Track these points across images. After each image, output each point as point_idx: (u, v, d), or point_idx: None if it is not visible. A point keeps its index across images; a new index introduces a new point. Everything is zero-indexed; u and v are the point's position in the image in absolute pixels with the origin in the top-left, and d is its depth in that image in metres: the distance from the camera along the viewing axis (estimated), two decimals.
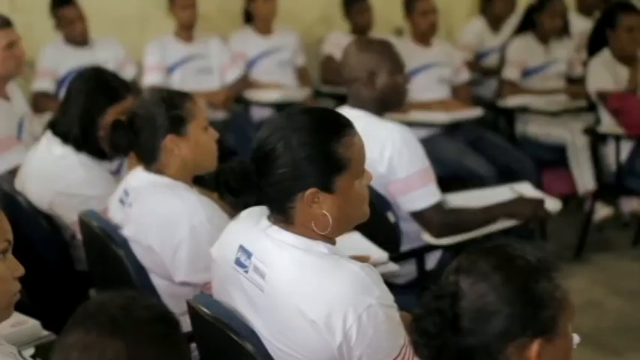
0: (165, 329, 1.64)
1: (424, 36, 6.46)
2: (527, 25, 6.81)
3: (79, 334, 1.59)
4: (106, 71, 3.97)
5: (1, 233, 2.12)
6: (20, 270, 2.15)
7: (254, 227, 2.40)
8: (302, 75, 7.23)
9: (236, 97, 6.74)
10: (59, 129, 3.82)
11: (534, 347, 1.75)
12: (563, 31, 6.89)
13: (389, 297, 2.26)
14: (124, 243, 3.21)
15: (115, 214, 3.32)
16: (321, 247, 2.30)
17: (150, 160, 3.19)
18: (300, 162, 2.30)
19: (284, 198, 2.32)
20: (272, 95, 6.64)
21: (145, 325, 1.61)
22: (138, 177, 3.24)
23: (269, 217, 2.39)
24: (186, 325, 3.02)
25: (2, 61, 4.56)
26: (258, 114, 6.76)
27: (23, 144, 4.55)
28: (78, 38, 6.40)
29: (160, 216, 3.10)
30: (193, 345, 2.93)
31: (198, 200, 3.10)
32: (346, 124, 2.39)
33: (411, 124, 4.54)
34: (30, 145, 4.34)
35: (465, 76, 6.70)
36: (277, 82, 6.96)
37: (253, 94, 6.78)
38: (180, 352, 1.66)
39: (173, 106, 3.16)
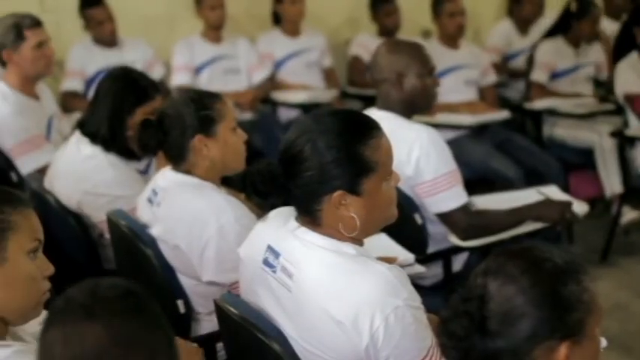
0: (136, 301, 1.65)
1: (452, 38, 6.45)
2: (560, 28, 6.77)
3: (55, 330, 1.61)
4: (135, 71, 3.99)
5: (31, 232, 2.13)
6: (50, 269, 2.16)
7: (282, 228, 2.41)
8: (329, 76, 7.24)
9: (263, 98, 6.76)
10: (88, 129, 3.84)
11: (562, 350, 1.75)
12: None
13: (416, 298, 2.26)
14: (151, 242, 3.22)
15: (143, 213, 3.34)
16: (348, 248, 2.31)
17: (178, 159, 3.20)
18: (327, 164, 2.30)
19: (311, 200, 2.33)
20: (299, 96, 6.65)
21: (116, 302, 1.62)
22: (166, 177, 3.25)
23: (297, 218, 2.39)
24: (213, 324, 3.05)
25: (32, 61, 4.60)
26: (285, 115, 6.78)
27: (52, 143, 4.59)
28: (106, 39, 6.44)
29: (187, 216, 3.11)
30: (220, 344, 2.95)
31: (225, 200, 3.11)
32: (373, 127, 2.39)
33: (438, 126, 4.54)
34: (59, 145, 4.38)
35: (492, 78, 6.69)
36: (304, 84, 6.98)
37: (280, 95, 6.80)
38: (158, 320, 1.66)
39: (202, 107, 3.16)
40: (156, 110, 3.52)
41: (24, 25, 4.60)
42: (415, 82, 3.77)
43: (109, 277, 1.71)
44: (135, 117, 3.73)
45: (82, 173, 3.79)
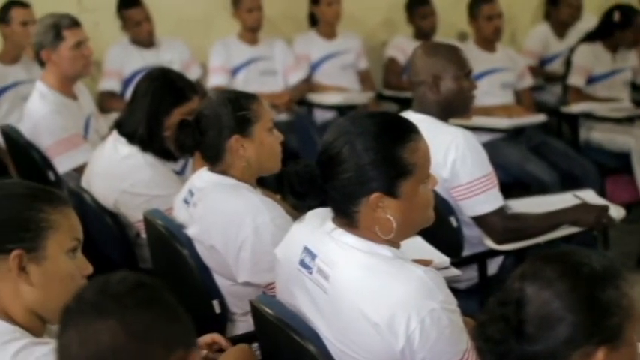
0: (147, 293, 1.64)
1: (488, 41, 6.44)
2: (600, 35, 6.72)
3: (70, 330, 1.61)
4: (172, 72, 4.01)
5: (71, 231, 2.15)
6: (89, 268, 2.17)
7: (319, 229, 2.41)
8: (365, 78, 7.25)
9: (299, 100, 6.78)
10: (125, 129, 3.87)
11: (599, 355, 1.74)
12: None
13: (452, 301, 2.26)
14: (188, 242, 3.24)
15: (180, 213, 3.35)
16: (385, 250, 2.31)
17: (215, 160, 3.21)
18: (364, 166, 2.31)
19: (349, 202, 2.33)
20: (335, 98, 6.67)
21: (127, 296, 1.62)
22: (202, 177, 3.27)
23: (334, 220, 2.40)
24: (248, 325, 3.07)
25: (71, 61, 4.64)
26: (320, 117, 6.79)
27: (90, 143, 4.62)
28: (144, 39, 6.48)
29: (223, 216, 3.12)
30: (255, 344, 2.96)
31: (261, 201, 3.11)
32: (411, 129, 2.39)
33: (473, 129, 4.53)
34: (96, 144, 4.41)
35: (528, 81, 6.67)
36: (340, 86, 6.99)
37: (316, 97, 6.82)
38: (173, 310, 1.66)
39: (239, 107, 3.17)
40: (193, 111, 3.55)
41: (63, 25, 4.64)
42: (452, 85, 3.76)
43: (120, 271, 1.70)
44: (172, 117, 3.75)
45: (119, 173, 3.81)
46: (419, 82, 3.80)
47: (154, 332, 1.60)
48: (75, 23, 4.70)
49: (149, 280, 1.67)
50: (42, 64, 4.73)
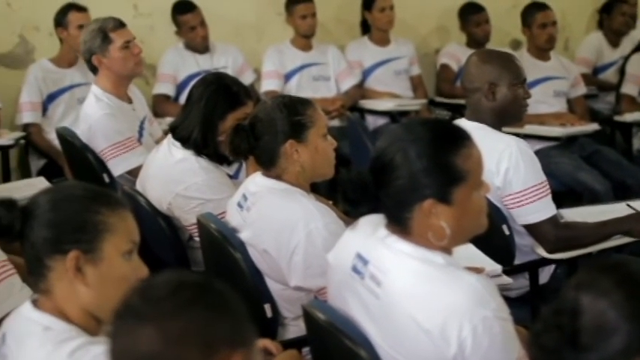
0: (188, 295, 1.62)
1: (542, 49, 6.40)
2: None
3: (113, 337, 1.62)
4: (227, 76, 4.03)
5: (127, 234, 2.17)
6: (144, 271, 2.18)
7: (372, 235, 2.42)
8: (417, 85, 7.25)
9: (351, 106, 6.80)
10: (180, 133, 3.89)
11: None
12: None
13: (505, 309, 2.25)
14: (240, 246, 3.25)
15: (233, 217, 3.37)
16: (438, 257, 2.31)
17: (269, 164, 3.22)
18: (418, 173, 2.31)
19: (402, 209, 2.33)
20: (387, 104, 6.68)
21: (166, 300, 1.60)
22: (256, 182, 3.28)
23: (386, 227, 2.40)
24: (299, 329, 3.08)
25: (121, 61, 4.68)
26: (372, 122, 6.81)
27: (144, 146, 4.66)
28: (199, 44, 6.52)
29: (277, 221, 3.13)
30: (306, 349, 2.97)
31: (314, 206, 3.12)
32: (464, 136, 2.39)
33: (526, 137, 4.52)
34: (150, 147, 4.44)
35: (581, 90, 6.62)
36: (392, 92, 7.01)
37: (368, 103, 6.83)
38: (217, 308, 1.63)
39: (295, 112, 3.19)
40: (247, 115, 3.57)
41: (108, 28, 4.70)
42: (507, 93, 3.76)
43: (165, 272, 1.68)
44: (226, 122, 3.77)
45: (173, 176, 3.84)
46: (473, 90, 3.79)
47: (193, 336, 1.59)
48: (120, 24, 4.75)
49: (191, 279, 1.65)
50: (94, 70, 4.77)
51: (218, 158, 3.83)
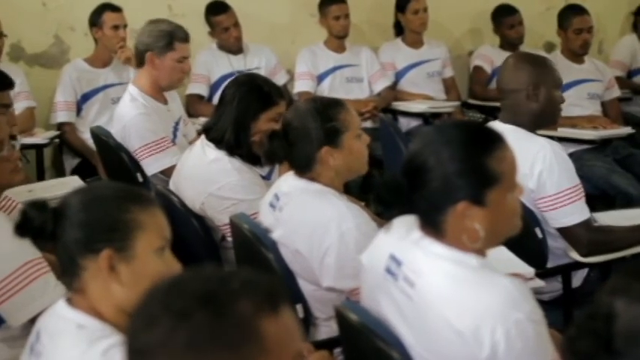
0: (203, 321, 1.46)
1: (576, 54, 6.39)
2: None
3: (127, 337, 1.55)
4: (259, 77, 4.04)
5: (159, 231, 2.18)
6: (177, 267, 2.19)
7: (405, 237, 2.41)
8: (450, 87, 7.25)
9: (384, 107, 6.80)
10: (213, 134, 3.90)
11: None
12: None
13: (538, 313, 2.24)
14: (273, 246, 3.26)
15: (265, 217, 3.37)
16: (471, 259, 2.30)
17: (304, 169, 3.22)
18: (451, 175, 2.30)
19: (435, 211, 2.33)
20: (420, 106, 6.68)
21: (175, 305, 1.48)
22: (289, 182, 3.28)
23: (420, 228, 2.40)
24: (330, 330, 3.08)
25: (170, 72, 4.73)
26: (405, 124, 6.80)
27: (178, 146, 4.68)
28: (232, 45, 6.54)
29: (309, 221, 3.13)
30: (337, 350, 2.97)
31: (347, 207, 3.12)
32: (498, 138, 2.38)
33: (559, 140, 4.50)
34: (184, 148, 4.46)
35: (615, 92, 6.59)
36: (425, 94, 7.00)
37: (401, 105, 6.83)
38: (238, 334, 1.47)
39: (328, 118, 3.18)
40: (280, 115, 3.62)
41: (176, 37, 4.75)
42: (549, 95, 3.77)
43: (189, 275, 1.57)
44: (259, 123, 3.78)
45: (207, 176, 3.85)
46: (513, 91, 3.78)
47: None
48: (186, 39, 4.80)
49: (217, 290, 1.50)
50: (140, 64, 4.79)
51: (251, 159, 3.84)
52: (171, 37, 4.72)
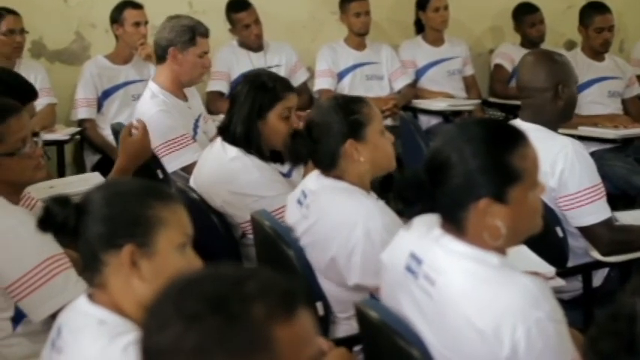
0: (206, 302, 1.46)
1: (597, 52, 6.37)
2: None
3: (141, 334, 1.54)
4: (263, 74, 4.03)
5: (180, 227, 2.19)
6: (198, 265, 2.19)
7: (426, 235, 2.41)
8: (470, 85, 7.24)
9: (404, 105, 6.79)
10: (227, 134, 3.92)
11: None
12: None
13: (559, 312, 2.23)
14: (294, 243, 3.26)
15: (293, 214, 3.37)
16: (492, 258, 2.30)
17: (329, 167, 3.21)
18: (473, 172, 2.30)
19: (457, 208, 2.33)
20: (440, 104, 6.68)
21: (186, 306, 1.46)
22: (316, 180, 3.28)
23: (441, 226, 2.40)
24: (350, 327, 3.08)
25: (191, 67, 4.74)
26: (425, 122, 6.79)
27: (198, 143, 4.68)
28: (253, 42, 6.55)
29: (335, 219, 3.13)
30: (357, 348, 2.97)
31: (374, 206, 3.12)
32: (520, 136, 2.38)
33: (580, 139, 4.48)
34: (204, 145, 4.46)
35: (636, 90, 6.59)
36: (445, 92, 7.00)
37: (421, 103, 6.83)
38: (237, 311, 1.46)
39: (350, 111, 3.18)
40: (291, 109, 3.74)
41: (198, 32, 4.76)
42: (571, 93, 3.78)
43: (204, 274, 1.55)
44: (269, 120, 3.82)
45: (228, 174, 3.86)
46: (536, 90, 3.77)
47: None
48: (207, 34, 4.82)
49: (228, 293, 1.48)
50: (160, 60, 4.80)
51: (266, 157, 3.85)
52: (193, 32, 4.73)
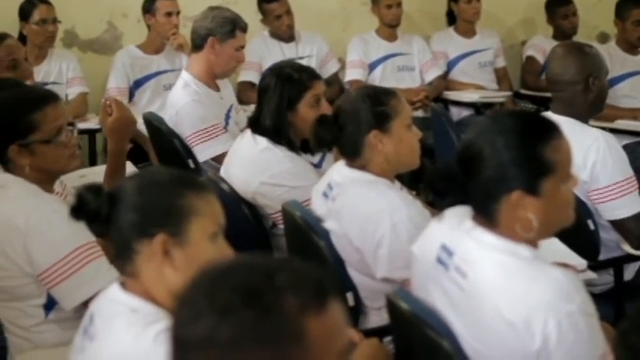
0: (242, 293, 1.45)
1: (634, 45, 6.32)
2: None
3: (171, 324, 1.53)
4: (287, 65, 4.04)
5: (213, 216, 2.19)
6: (230, 254, 2.19)
7: (457, 227, 2.41)
8: (502, 77, 7.22)
9: (435, 97, 6.78)
10: (258, 124, 3.93)
11: None
12: None
13: (590, 305, 2.23)
14: (325, 235, 3.26)
15: (318, 206, 3.37)
16: (524, 250, 2.29)
17: (353, 155, 3.22)
18: (506, 164, 2.29)
19: (489, 200, 2.32)
20: (472, 96, 6.66)
21: (219, 299, 1.45)
22: (341, 172, 3.28)
23: (473, 218, 2.39)
24: (380, 318, 3.08)
25: (228, 59, 4.79)
26: (456, 114, 6.78)
27: (229, 133, 4.69)
28: (284, 33, 6.56)
29: (362, 212, 3.13)
30: (387, 338, 2.97)
31: (400, 197, 3.12)
32: (553, 128, 2.37)
33: (612, 132, 4.46)
34: (236, 135, 4.47)
35: None
36: (477, 83, 6.98)
37: (453, 94, 6.81)
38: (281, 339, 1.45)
39: (378, 103, 3.18)
40: (319, 97, 3.75)
41: (238, 26, 4.82)
42: (602, 84, 3.77)
43: (236, 264, 1.54)
44: (299, 111, 3.84)
45: (259, 164, 3.87)
46: (568, 83, 3.76)
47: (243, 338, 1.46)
48: (246, 29, 4.87)
49: (262, 287, 1.47)
50: (197, 48, 4.81)
51: (296, 148, 3.86)
52: (234, 25, 4.77)
